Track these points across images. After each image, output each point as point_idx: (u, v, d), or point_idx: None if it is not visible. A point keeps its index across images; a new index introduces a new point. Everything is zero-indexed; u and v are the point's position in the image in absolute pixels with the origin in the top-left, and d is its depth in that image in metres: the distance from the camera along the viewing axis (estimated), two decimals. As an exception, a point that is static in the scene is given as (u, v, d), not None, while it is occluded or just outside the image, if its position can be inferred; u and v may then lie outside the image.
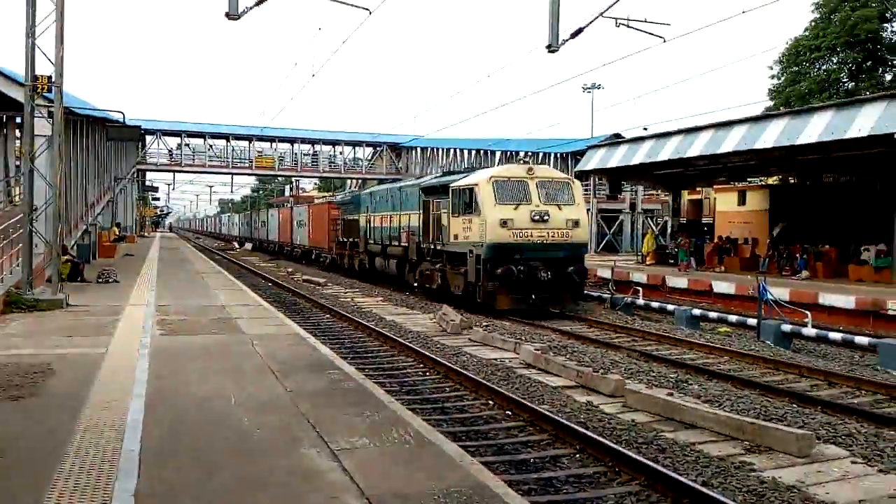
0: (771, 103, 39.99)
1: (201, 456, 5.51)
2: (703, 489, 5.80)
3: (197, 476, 5.08)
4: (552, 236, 17.06)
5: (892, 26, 37.78)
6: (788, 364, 11.75)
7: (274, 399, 7.29)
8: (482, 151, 54.08)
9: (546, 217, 16.95)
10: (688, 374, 10.77)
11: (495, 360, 11.71)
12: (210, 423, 6.40)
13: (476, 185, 17.32)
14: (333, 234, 32.42)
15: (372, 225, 26.40)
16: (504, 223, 16.64)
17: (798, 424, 7.75)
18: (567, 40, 14.55)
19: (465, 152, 55.48)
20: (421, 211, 21.06)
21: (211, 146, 56.00)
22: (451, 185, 18.57)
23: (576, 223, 17.38)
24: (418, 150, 58.22)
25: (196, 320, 12.77)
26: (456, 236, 18.16)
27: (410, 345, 12.79)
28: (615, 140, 32.77)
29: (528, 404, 8.50)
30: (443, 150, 56.99)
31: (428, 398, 9.43)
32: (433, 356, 11.66)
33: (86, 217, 28.45)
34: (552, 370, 10.68)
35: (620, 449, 6.81)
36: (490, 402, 9.05)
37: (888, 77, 37.90)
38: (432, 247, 20.01)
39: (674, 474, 6.15)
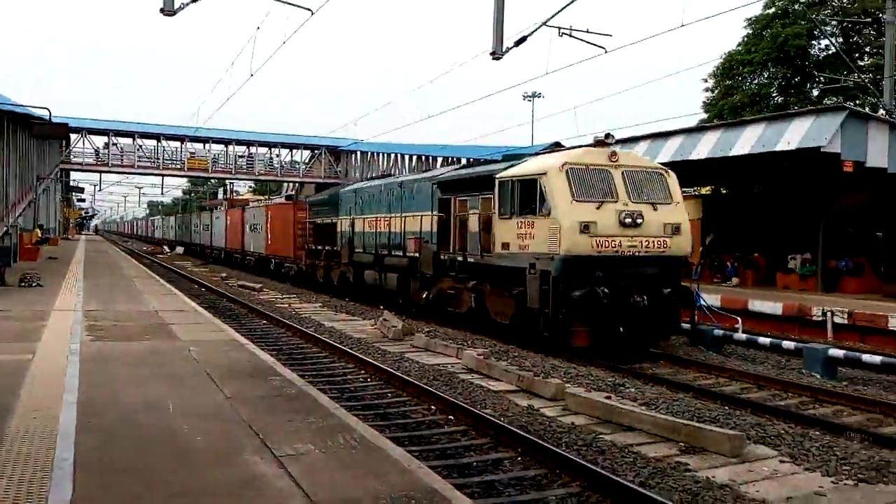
0: (705, 115, 41.42)
1: (140, 464, 5.43)
2: (642, 490, 6.04)
3: (136, 485, 5.01)
4: (646, 246, 12.87)
5: (820, 44, 39.66)
6: (720, 368, 12.25)
7: (214, 406, 7.22)
8: (423, 157, 54.31)
9: (639, 220, 12.78)
10: (625, 377, 11.11)
11: (438, 365, 11.84)
12: (148, 431, 6.30)
13: (544, 174, 12.97)
14: (301, 241, 27.87)
15: (358, 230, 21.92)
16: (585, 227, 12.36)
17: (730, 426, 8.10)
18: (511, 48, 14.85)
19: (407, 157, 55.62)
20: (436, 212, 16.98)
21: (140, 146, 54.53)
22: (498, 175, 14.18)
23: (676, 229, 13.22)
24: (358, 154, 58.04)
25: (128, 326, 12.48)
26: (505, 245, 13.80)
27: (351, 351, 12.82)
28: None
29: (471, 409, 8.66)
30: (384, 154, 56.98)
31: (370, 404, 9.49)
32: (375, 362, 11.72)
33: (6, 218, 27.40)
34: (494, 375, 10.87)
35: (561, 451, 7.02)
36: (433, 407, 9.17)
37: (816, 92, 39.72)
38: (459, 259, 15.82)
39: (613, 476, 6.38)
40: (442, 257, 16.55)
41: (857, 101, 34.16)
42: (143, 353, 9.95)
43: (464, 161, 26.38)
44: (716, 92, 42.25)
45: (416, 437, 7.97)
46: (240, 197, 79.16)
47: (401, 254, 18.64)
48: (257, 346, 11.59)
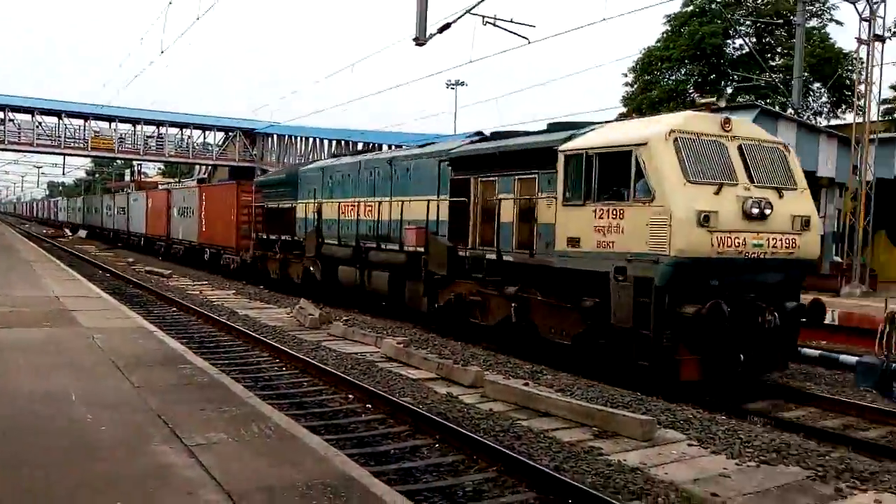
0: (625, 109, 42.56)
1: (40, 456, 5.24)
2: (556, 474, 6.23)
3: (37, 478, 4.83)
4: (773, 245, 9.98)
5: (735, 43, 41.31)
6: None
7: (120, 395, 7.03)
8: (343, 142, 53.74)
9: (767, 210, 9.87)
10: (542, 365, 11.38)
11: (356, 354, 11.84)
12: (49, 422, 6.08)
13: (643, 145, 9.83)
14: (246, 229, 24.37)
15: (328, 217, 18.50)
16: (705, 219, 9.36)
17: (642, 411, 8.43)
18: (434, 34, 14.90)
19: (326, 142, 54.96)
20: (447, 196, 13.91)
21: (40, 123, 51.92)
22: (563, 147, 11.04)
23: (806, 223, 10.32)
24: (274, 137, 56.96)
25: (25, 312, 11.96)
26: (573, 241, 10.69)
27: (266, 339, 12.67)
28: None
29: (389, 397, 8.72)
30: (302, 138, 56.13)
31: (286, 393, 9.42)
32: (291, 351, 11.63)
33: None
34: (413, 363, 10.96)
35: (478, 437, 7.16)
36: (350, 395, 9.18)
37: (729, 90, 41.37)
38: (489, 257, 12.61)
39: (528, 460, 6.56)
40: (460, 254, 13.42)
41: (768, 100, 35.83)
42: (43, 341, 9.58)
43: (384, 147, 25.81)
44: (635, 87, 43.44)
45: (334, 426, 7.97)
46: (148, 179, 76.58)
47: (395, 248, 15.42)
48: (166, 333, 11.33)
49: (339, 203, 18.01)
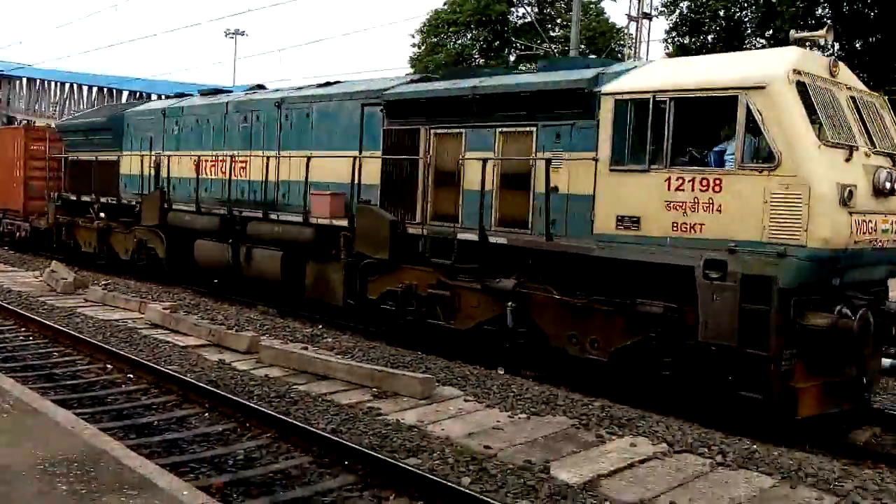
0: (412, 70, 43.19)
1: None
2: (332, 436, 6.25)
3: None
4: (893, 230, 7.92)
5: (518, 12, 43.32)
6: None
7: None
8: (106, 90, 49.49)
9: None
10: (322, 328, 11.33)
11: (117, 320, 11.10)
12: None
13: (759, 88, 7.26)
14: (35, 188, 19.97)
15: (180, 175, 14.81)
16: (848, 196, 7.09)
17: (422, 370, 8.70)
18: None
19: (86, 88, 50.29)
20: (377, 153, 11.03)
21: None
22: (608, 89, 8.31)
23: None
24: (24, 80, 51.18)
25: None
26: (626, 221, 8.03)
27: (9, 305, 11.57)
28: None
29: (153, 365, 8.32)
30: (57, 83, 50.94)
31: (32, 364, 8.69)
32: (38, 318, 10.68)
33: None
34: (182, 329, 10.49)
35: (250, 404, 7.03)
36: (109, 365, 8.63)
37: (512, 58, 43.43)
38: (459, 236, 9.74)
39: (304, 425, 6.52)
40: (410, 231, 10.43)
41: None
42: None
43: (154, 97, 23.94)
44: (422, 48, 44.20)
45: (89, 399, 7.46)
46: None
47: (295, 219, 12.00)
48: None
49: (198, 157, 14.19)
